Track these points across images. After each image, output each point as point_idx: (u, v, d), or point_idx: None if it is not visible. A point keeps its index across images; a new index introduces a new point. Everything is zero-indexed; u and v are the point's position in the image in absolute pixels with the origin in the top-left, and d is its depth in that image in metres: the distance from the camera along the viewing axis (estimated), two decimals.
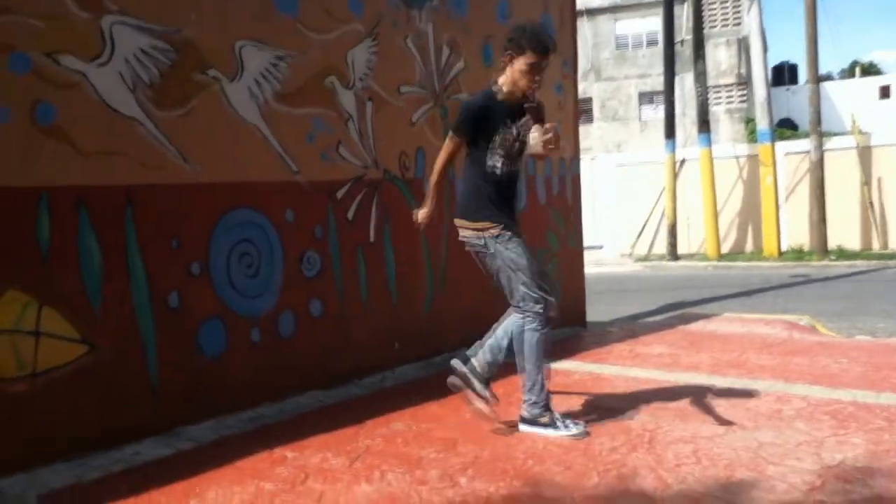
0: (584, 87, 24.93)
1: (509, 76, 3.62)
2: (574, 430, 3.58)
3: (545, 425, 3.63)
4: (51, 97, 3.38)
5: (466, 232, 3.69)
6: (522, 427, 3.69)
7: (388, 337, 5.00)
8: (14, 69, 3.26)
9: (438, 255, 5.39)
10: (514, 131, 3.63)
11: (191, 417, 3.90)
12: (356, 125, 4.82)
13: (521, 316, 3.61)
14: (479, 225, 3.62)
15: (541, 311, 3.59)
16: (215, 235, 4.03)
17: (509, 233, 3.60)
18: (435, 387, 4.24)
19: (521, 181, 3.85)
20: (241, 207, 4.16)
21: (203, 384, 3.98)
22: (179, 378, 3.87)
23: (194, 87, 3.93)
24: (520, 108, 3.61)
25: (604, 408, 4.02)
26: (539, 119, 3.57)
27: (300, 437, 3.67)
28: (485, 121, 3.59)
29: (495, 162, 3.63)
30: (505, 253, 3.58)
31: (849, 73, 35.44)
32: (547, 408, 3.66)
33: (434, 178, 3.80)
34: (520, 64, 3.55)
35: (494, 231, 3.60)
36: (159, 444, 3.66)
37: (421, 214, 3.83)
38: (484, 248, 3.64)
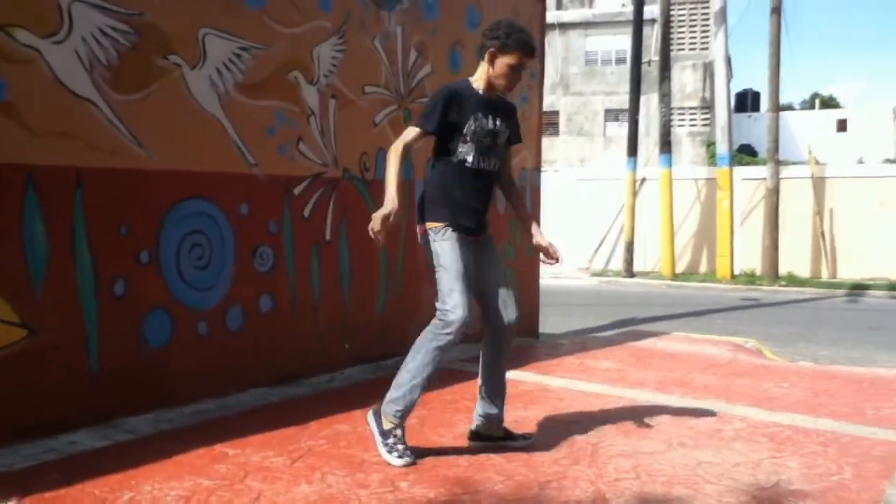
0: (552, 101, 25.15)
1: (486, 74, 3.39)
2: (399, 461, 3.26)
3: (384, 433, 3.34)
4: (3, 72, 3.28)
5: (419, 233, 3.45)
6: (369, 417, 3.43)
7: (339, 337, 4.96)
8: None
9: (395, 257, 5.37)
10: (490, 124, 3.37)
11: (130, 409, 3.82)
12: (318, 122, 4.79)
13: (436, 317, 3.32)
14: (428, 224, 3.37)
15: (452, 318, 3.27)
16: (166, 224, 3.96)
17: (451, 231, 3.32)
18: (383, 389, 4.21)
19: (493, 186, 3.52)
20: (195, 197, 4.09)
21: (145, 375, 3.90)
22: (121, 368, 3.79)
23: (154, 72, 3.86)
24: (497, 103, 3.43)
25: (549, 419, 4.04)
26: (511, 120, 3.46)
27: (242, 434, 3.62)
28: (458, 108, 3.32)
29: (466, 153, 3.35)
30: (437, 248, 3.33)
31: (809, 104, 36.36)
32: (401, 419, 3.34)
33: (392, 174, 3.31)
34: (502, 63, 3.33)
35: (437, 226, 3.33)
36: (96, 435, 3.57)
37: (378, 215, 3.25)
38: (426, 246, 3.40)
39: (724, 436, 3.80)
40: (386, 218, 3.23)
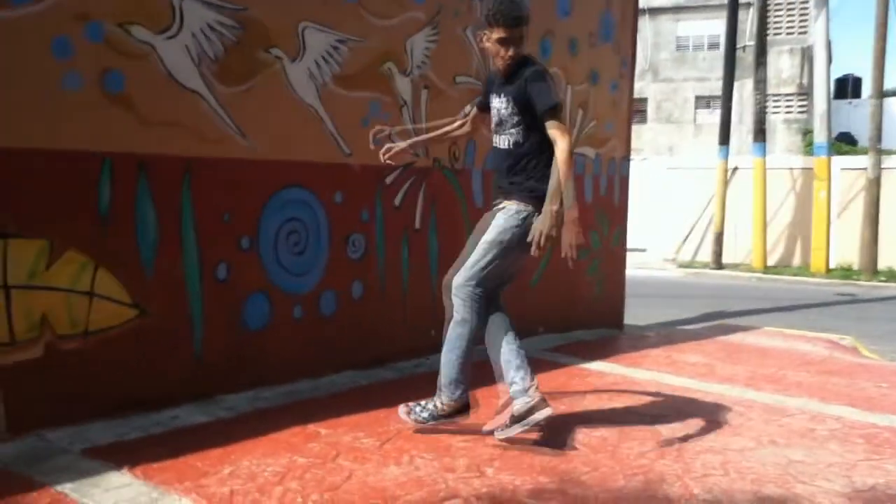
0: (640, 87, 24.61)
1: (488, 55, 3.53)
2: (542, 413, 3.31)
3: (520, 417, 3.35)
4: (120, 66, 3.49)
5: None
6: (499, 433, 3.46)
7: (426, 324, 5.05)
8: (88, 38, 3.38)
9: None
10: (495, 103, 3.49)
11: (230, 387, 4.02)
12: (410, 112, 4.88)
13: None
14: None
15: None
16: (266, 211, 4.13)
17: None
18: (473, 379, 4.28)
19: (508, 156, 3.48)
20: (293, 186, 4.25)
21: (244, 355, 4.09)
22: (222, 348, 3.98)
23: (256, 65, 4.02)
24: (510, 80, 3.42)
25: (635, 412, 4.03)
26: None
27: (334, 414, 3.75)
28: (487, 91, 3.62)
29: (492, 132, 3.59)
30: None
31: None
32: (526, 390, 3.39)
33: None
34: (493, 39, 3.37)
35: None
36: (198, 411, 3.77)
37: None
38: None
39: (817, 435, 3.71)
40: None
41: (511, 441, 3.42)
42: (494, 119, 3.52)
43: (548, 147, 3.36)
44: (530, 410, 3.31)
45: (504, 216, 3.42)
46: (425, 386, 4.37)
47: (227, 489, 2.82)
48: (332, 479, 2.96)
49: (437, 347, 5.09)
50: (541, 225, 3.26)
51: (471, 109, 3.84)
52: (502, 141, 3.50)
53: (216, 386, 3.97)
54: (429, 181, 5.04)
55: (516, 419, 3.34)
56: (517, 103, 3.40)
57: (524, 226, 3.36)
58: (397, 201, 4.85)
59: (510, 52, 3.36)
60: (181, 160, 3.75)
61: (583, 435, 3.61)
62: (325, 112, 4.35)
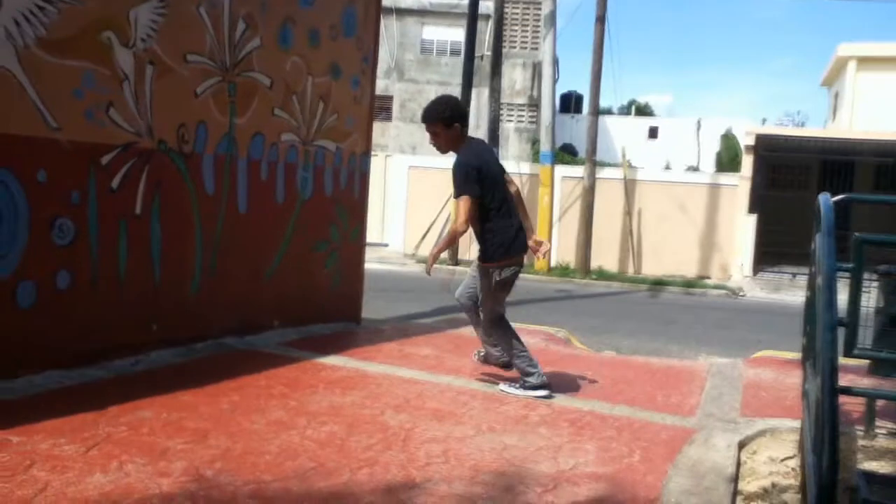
0: (386, 86, 25.15)
1: None
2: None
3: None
4: None
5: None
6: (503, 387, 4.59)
7: (146, 317, 4.68)
8: None
9: (212, 237, 5.13)
10: None
11: None
12: (132, 88, 4.46)
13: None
14: None
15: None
16: None
17: None
18: (193, 374, 4.05)
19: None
20: None
21: None
22: None
23: None
24: None
25: (365, 406, 4.04)
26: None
27: (30, 420, 3.35)
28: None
29: None
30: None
31: (627, 110, 38.83)
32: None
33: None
34: None
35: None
36: None
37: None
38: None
39: (530, 421, 3.98)
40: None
41: (235, 442, 3.27)
42: None
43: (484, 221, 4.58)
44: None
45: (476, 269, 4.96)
46: (143, 385, 4.05)
47: None
48: (22, 493, 2.62)
49: (158, 343, 4.77)
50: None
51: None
52: None
53: None
54: (152, 164, 4.65)
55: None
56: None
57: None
58: (115, 184, 4.41)
59: (433, 141, 4.56)
60: None
61: (311, 430, 3.56)
62: (25, 78, 3.83)
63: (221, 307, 5.22)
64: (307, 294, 6.15)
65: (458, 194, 4.37)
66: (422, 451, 3.36)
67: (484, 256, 4.60)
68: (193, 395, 3.96)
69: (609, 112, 35.91)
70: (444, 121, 4.44)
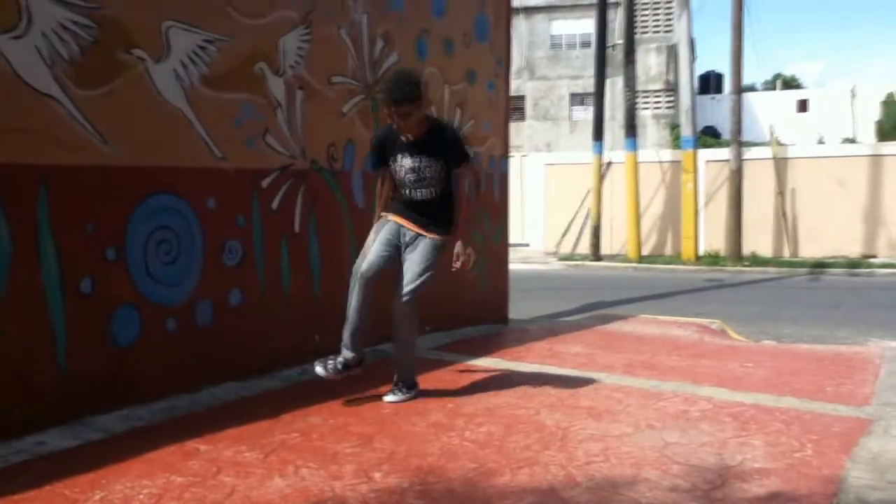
0: (518, 85, 25.18)
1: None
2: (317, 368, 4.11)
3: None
4: None
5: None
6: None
7: (309, 330, 4.96)
8: None
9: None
10: (414, 162, 4.09)
11: (101, 407, 3.79)
12: (285, 113, 4.76)
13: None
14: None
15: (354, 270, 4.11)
16: (133, 220, 3.92)
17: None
18: (353, 381, 4.24)
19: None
20: (162, 192, 4.06)
21: (115, 373, 3.87)
22: (90, 366, 3.76)
23: (117, 67, 3.81)
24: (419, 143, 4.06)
25: (520, 406, 4.10)
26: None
27: (214, 429, 3.62)
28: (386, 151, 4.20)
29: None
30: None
31: (772, 84, 36.81)
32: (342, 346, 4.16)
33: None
34: (387, 113, 4.02)
35: None
36: (66, 434, 3.54)
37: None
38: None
39: (690, 416, 3.89)
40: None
41: (399, 445, 3.42)
42: (410, 176, 4.07)
43: (450, 197, 4.12)
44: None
45: (431, 245, 4.12)
46: (311, 393, 4.30)
47: None
48: (213, 497, 2.85)
49: (320, 353, 5.03)
50: (463, 250, 4.11)
51: (379, 172, 4.30)
52: (419, 194, 4.10)
53: (85, 407, 3.74)
54: (307, 184, 4.94)
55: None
56: (443, 164, 4.07)
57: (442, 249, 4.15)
58: (275, 205, 4.72)
59: (403, 123, 3.96)
60: (36, 169, 3.51)
61: (469, 432, 3.64)
62: (193, 114, 4.18)
63: (376, 315, 5.43)
64: (456, 298, 6.29)
65: (467, 161, 4.14)
66: (580, 450, 3.37)
67: (445, 230, 4.14)
68: (357, 401, 4.16)
69: (752, 88, 34.21)
70: (419, 99, 3.94)
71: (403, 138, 4.06)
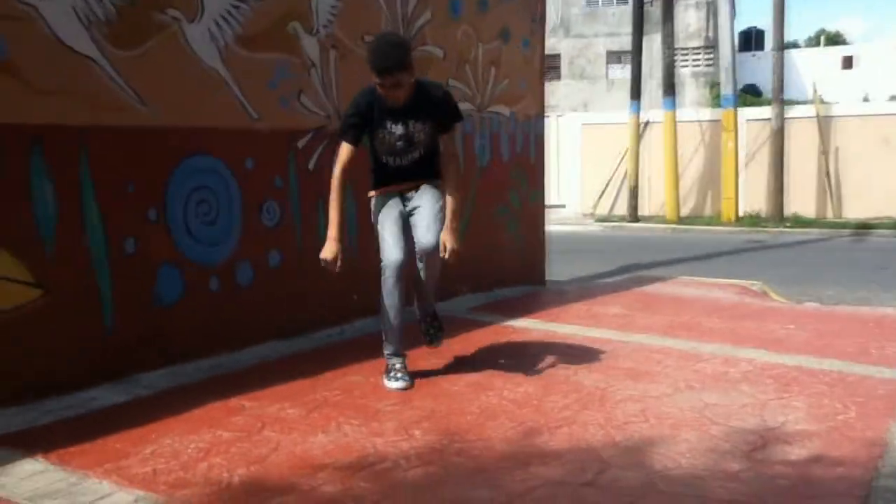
0: (553, 43, 24.75)
1: None
2: (395, 383, 3.75)
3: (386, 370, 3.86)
4: (2, 30, 3.25)
5: None
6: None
7: (348, 289, 4.98)
8: None
9: None
10: (402, 129, 3.69)
11: (147, 365, 3.88)
12: (319, 73, 4.74)
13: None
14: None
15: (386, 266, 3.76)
16: (172, 181, 3.96)
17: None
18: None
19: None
20: (200, 153, 4.08)
21: (160, 331, 3.95)
22: (135, 324, 3.83)
23: (152, 27, 3.81)
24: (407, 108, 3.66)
25: (558, 366, 4.10)
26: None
27: (257, 387, 3.68)
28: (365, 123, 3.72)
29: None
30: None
31: (815, 41, 35.74)
32: (392, 355, 3.86)
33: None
34: (375, 81, 3.56)
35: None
36: (116, 391, 3.64)
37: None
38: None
39: (730, 378, 3.85)
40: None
41: (439, 404, 3.44)
42: (401, 143, 3.70)
43: (436, 151, 3.82)
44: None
45: (436, 191, 3.80)
46: (351, 352, 4.34)
47: (150, 469, 2.74)
48: (259, 452, 2.91)
49: (360, 311, 5.07)
50: (453, 242, 3.69)
51: (348, 155, 3.70)
52: (408, 159, 3.76)
53: (133, 364, 3.82)
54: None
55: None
56: (433, 124, 3.72)
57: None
58: (311, 165, 4.72)
59: (394, 93, 3.56)
60: (77, 130, 3.54)
61: (508, 391, 3.65)
62: (228, 74, 4.18)
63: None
64: (492, 259, 6.28)
65: (460, 118, 3.87)
66: (619, 411, 3.36)
67: (437, 179, 3.86)
68: None
69: (795, 45, 33.26)
70: (410, 64, 3.58)
71: (390, 103, 3.63)
